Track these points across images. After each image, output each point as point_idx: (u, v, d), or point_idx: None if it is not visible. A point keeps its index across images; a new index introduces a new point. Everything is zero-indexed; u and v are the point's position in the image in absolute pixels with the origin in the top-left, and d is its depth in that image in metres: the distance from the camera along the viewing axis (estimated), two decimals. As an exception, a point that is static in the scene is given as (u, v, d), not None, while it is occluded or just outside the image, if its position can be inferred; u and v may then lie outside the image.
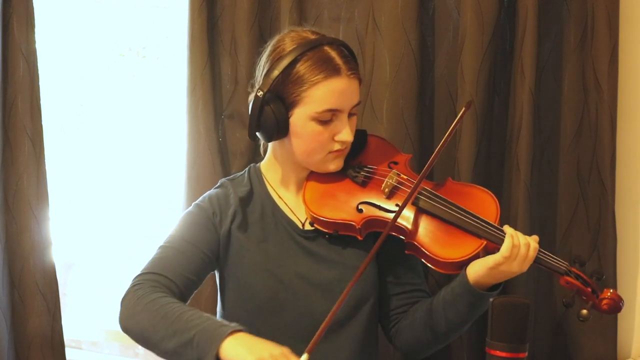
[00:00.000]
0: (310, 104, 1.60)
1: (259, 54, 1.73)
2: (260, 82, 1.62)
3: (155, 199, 2.56)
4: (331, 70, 1.59)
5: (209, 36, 2.09)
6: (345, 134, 1.63)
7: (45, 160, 2.19)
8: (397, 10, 1.98)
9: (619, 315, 2.02)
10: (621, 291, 2.02)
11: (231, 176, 1.81)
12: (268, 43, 1.70)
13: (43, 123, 2.18)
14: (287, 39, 1.65)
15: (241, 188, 1.73)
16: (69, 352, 2.27)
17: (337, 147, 1.64)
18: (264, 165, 1.78)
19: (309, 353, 1.42)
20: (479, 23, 1.95)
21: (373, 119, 2.02)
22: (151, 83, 2.55)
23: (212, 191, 1.76)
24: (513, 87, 1.99)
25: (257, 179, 1.75)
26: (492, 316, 1.56)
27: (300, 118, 1.62)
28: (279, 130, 1.63)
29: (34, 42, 2.15)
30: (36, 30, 2.15)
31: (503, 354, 1.52)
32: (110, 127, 2.60)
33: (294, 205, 1.72)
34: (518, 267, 1.56)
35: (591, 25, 1.98)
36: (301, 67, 1.59)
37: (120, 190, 2.60)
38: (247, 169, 1.80)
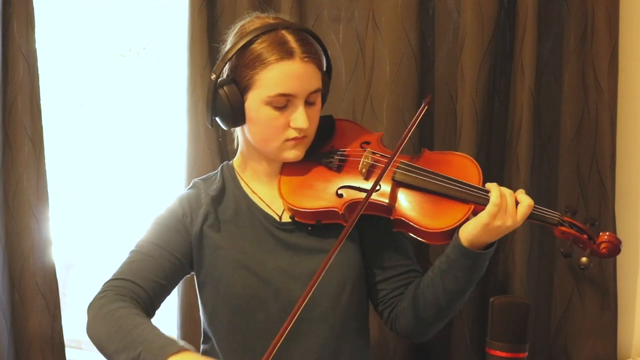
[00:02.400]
0: (263, 88, 1.56)
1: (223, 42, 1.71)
2: (216, 66, 1.60)
3: (155, 199, 2.56)
4: (284, 52, 1.55)
5: (209, 36, 2.09)
6: (300, 120, 1.57)
7: (45, 160, 2.19)
8: (397, 10, 1.98)
9: (619, 315, 2.02)
10: (621, 291, 2.03)
11: (204, 176, 1.77)
12: (231, 29, 1.67)
13: (43, 123, 2.18)
14: (248, 24, 1.62)
15: (212, 186, 1.70)
16: (69, 352, 2.28)
17: (293, 134, 1.60)
18: (235, 161, 1.75)
19: None
20: (479, 23, 1.95)
21: (373, 119, 2.02)
22: (151, 83, 2.55)
23: (183, 192, 1.73)
24: (513, 87, 1.99)
25: (229, 175, 1.72)
26: (492, 316, 1.56)
27: (254, 102, 1.58)
28: (234, 115, 1.59)
29: (34, 42, 2.15)
30: (36, 30, 2.15)
31: (503, 354, 1.53)
32: (110, 128, 2.60)
33: (269, 199, 1.68)
34: (512, 219, 1.53)
35: (591, 25, 1.98)
36: (254, 49, 1.55)
37: (120, 190, 2.61)
38: (220, 167, 1.77)
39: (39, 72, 2.16)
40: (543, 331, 2.07)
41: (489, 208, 1.52)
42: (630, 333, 2.07)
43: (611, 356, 2.03)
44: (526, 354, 1.55)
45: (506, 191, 1.55)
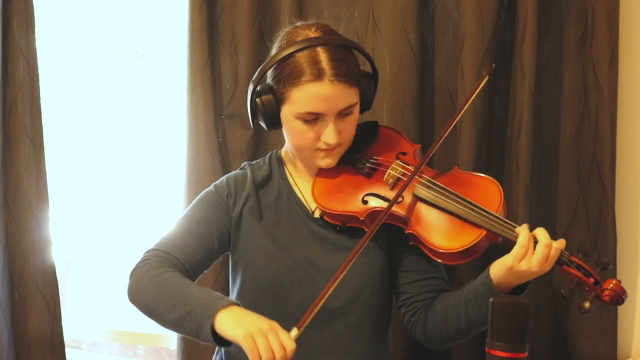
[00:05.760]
0: (293, 104, 1.61)
1: (258, 50, 1.71)
2: (256, 74, 1.65)
3: (155, 199, 2.56)
4: (314, 74, 1.57)
5: (209, 36, 2.09)
6: (329, 137, 1.62)
7: (45, 160, 2.19)
8: (397, 10, 1.98)
9: (619, 315, 2.02)
10: (621, 291, 2.02)
11: (254, 161, 1.83)
12: (278, 34, 1.70)
13: (43, 123, 2.18)
14: (292, 34, 1.65)
15: (260, 172, 1.77)
16: (69, 352, 2.28)
17: (323, 146, 1.65)
18: (283, 151, 1.80)
19: (299, 328, 1.47)
20: (479, 23, 1.95)
21: (373, 118, 2.02)
22: (151, 83, 2.55)
23: (232, 172, 1.80)
24: (513, 87, 1.99)
25: (276, 164, 1.78)
26: (492, 316, 1.56)
27: (286, 115, 1.63)
28: (271, 122, 1.66)
29: (34, 42, 2.15)
30: (36, 30, 2.15)
31: (503, 354, 1.52)
32: (110, 127, 2.60)
33: (308, 192, 1.73)
34: (538, 266, 1.51)
35: (591, 25, 1.98)
36: (290, 65, 1.59)
37: (120, 190, 2.61)
38: (268, 154, 1.82)
39: (39, 72, 2.17)
40: (543, 331, 2.07)
41: (515, 250, 1.51)
42: (630, 333, 2.07)
43: (611, 356, 2.03)
44: (526, 354, 1.54)
45: (543, 239, 1.51)
